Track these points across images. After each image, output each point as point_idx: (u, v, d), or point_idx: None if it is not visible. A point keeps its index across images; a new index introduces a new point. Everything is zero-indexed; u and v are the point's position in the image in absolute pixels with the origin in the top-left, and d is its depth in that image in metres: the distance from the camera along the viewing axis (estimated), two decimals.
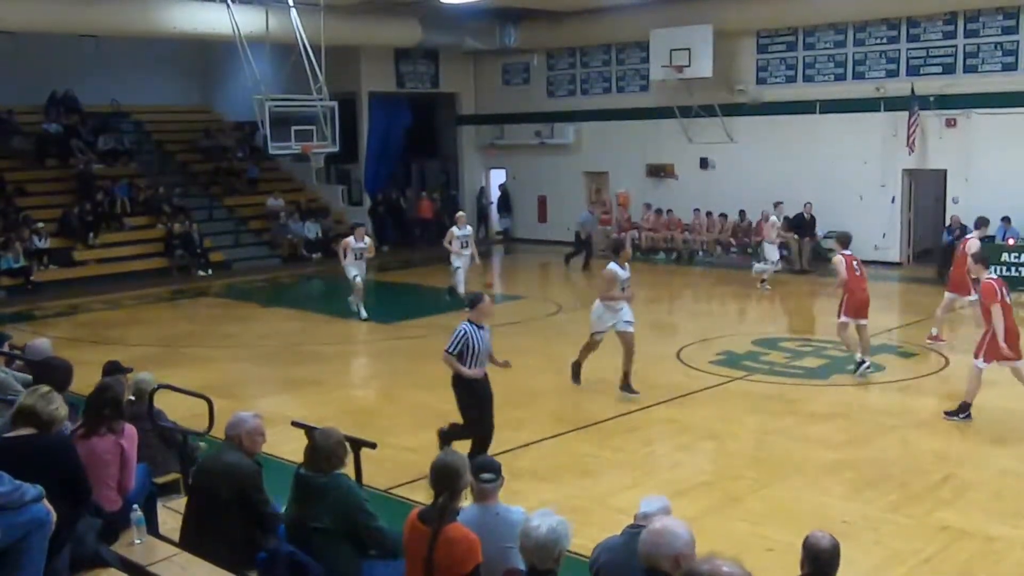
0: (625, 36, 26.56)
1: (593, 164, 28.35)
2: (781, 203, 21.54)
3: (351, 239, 18.03)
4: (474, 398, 9.18)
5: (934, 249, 22.55)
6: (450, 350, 9.09)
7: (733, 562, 3.66)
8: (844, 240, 13.21)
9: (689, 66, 24.14)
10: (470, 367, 9.09)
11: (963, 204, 21.67)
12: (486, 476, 5.49)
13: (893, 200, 22.94)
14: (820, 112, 23.65)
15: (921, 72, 22.34)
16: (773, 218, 20.86)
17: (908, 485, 8.92)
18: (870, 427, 10.81)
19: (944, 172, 22.32)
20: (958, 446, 10.17)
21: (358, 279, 17.84)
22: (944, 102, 21.83)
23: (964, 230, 21.16)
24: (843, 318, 12.99)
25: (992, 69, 21.38)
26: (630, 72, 27.46)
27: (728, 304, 20.56)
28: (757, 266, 21.28)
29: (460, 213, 20.42)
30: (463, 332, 9.10)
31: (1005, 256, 20.27)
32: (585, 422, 11.14)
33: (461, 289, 18.76)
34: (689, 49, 24.10)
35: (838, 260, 12.95)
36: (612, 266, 12.11)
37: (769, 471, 9.43)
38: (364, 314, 17.90)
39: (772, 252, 20.91)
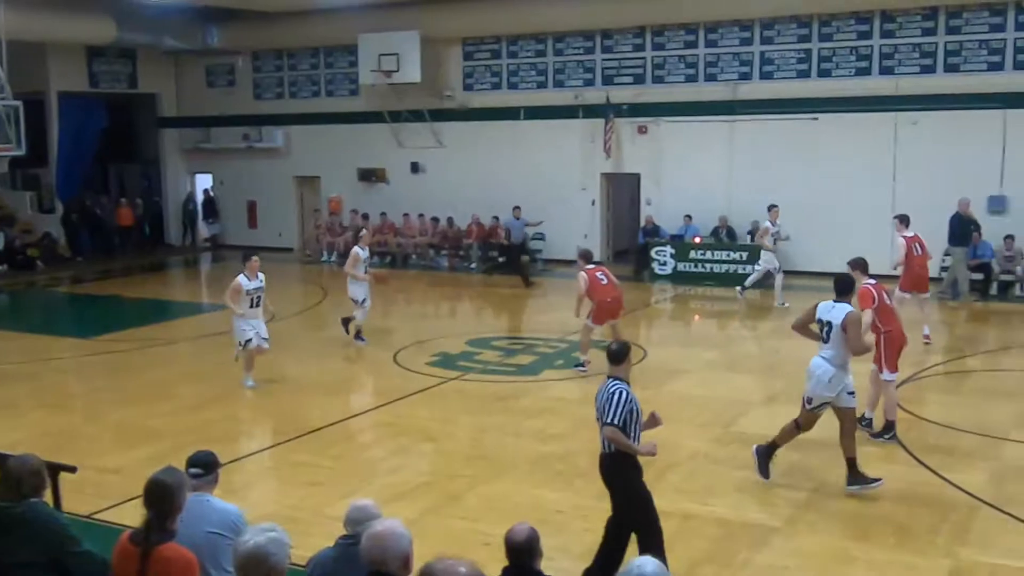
0: (333, 39, 26.41)
1: (304, 168, 27.97)
2: (776, 207, 18.87)
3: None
4: (643, 490, 6.97)
5: (630, 248, 24.00)
6: (614, 421, 6.70)
7: (465, 561, 3.72)
8: (863, 266, 10.62)
9: (398, 71, 24.39)
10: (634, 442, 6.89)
11: (655, 206, 23.32)
12: (193, 471, 5.35)
13: (593, 203, 24.21)
14: (524, 118, 24.59)
15: (615, 82, 23.74)
16: (767, 224, 18.73)
17: None
18: (579, 420, 11.32)
19: (638, 176, 23.85)
20: (656, 433, 10.85)
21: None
22: (636, 110, 23.33)
23: (658, 230, 22.75)
24: (886, 374, 10.41)
25: (677, 80, 23.09)
26: (339, 76, 27.34)
27: (442, 306, 20.91)
28: (747, 278, 19.22)
29: (364, 231, 16.49)
30: (625, 395, 6.79)
31: (692, 253, 21.99)
32: (302, 431, 10.97)
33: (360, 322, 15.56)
34: (398, 54, 24.34)
35: (865, 292, 10.18)
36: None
37: (485, 468, 9.68)
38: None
39: (770, 260, 18.75)
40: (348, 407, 11.71)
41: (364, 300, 15.17)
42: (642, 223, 23.43)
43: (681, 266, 22.01)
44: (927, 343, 14.62)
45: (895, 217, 15.38)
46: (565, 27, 23.96)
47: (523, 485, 9.20)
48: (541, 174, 24.29)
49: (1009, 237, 19.38)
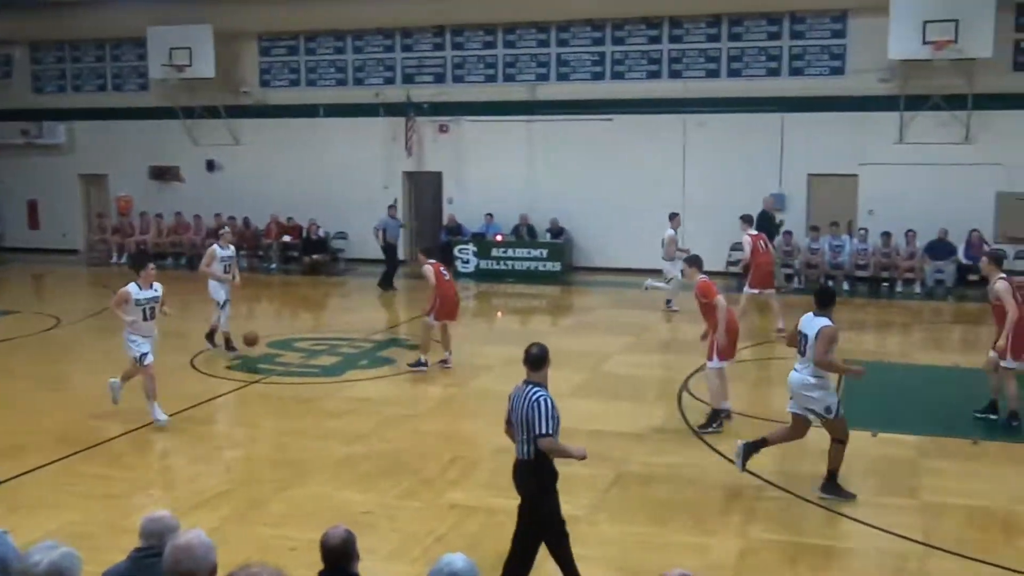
0: (120, 31, 25.31)
1: (90, 166, 26.64)
2: (677, 214, 18.62)
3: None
4: (556, 496, 6.70)
5: (433, 248, 24.05)
6: (548, 432, 6.39)
7: (270, 568, 3.65)
8: (699, 263, 11.21)
9: (191, 66, 23.63)
10: None
11: (457, 204, 23.50)
12: None
13: (396, 201, 24.14)
14: (324, 116, 24.27)
15: (416, 80, 23.78)
16: (670, 232, 18.01)
17: (420, 471, 9.46)
18: (383, 419, 11.31)
19: (440, 174, 23.97)
20: (461, 430, 10.99)
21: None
22: (437, 109, 23.44)
23: (460, 228, 22.94)
24: (713, 359, 10.88)
25: (477, 80, 23.37)
26: (127, 69, 26.20)
27: (239, 308, 20.32)
28: (649, 282, 18.16)
29: (225, 229, 16.04)
30: (550, 402, 6.46)
31: (494, 251, 22.31)
32: (94, 441, 10.43)
33: (225, 328, 14.73)
34: (190, 48, 23.59)
35: (707, 284, 10.85)
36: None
37: (290, 472, 9.50)
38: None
39: (670, 269, 17.66)
40: (143, 415, 11.21)
41: (225, 303, 14.53)
42: (444, 221, 23.58)
43: (483, 264, 22.29)
44: (781, 335, 15.42)
45: (740, 218, 16.58)
46: (364, 24, 23.82)
47: (328, 488, 9.09)
48: (343, 172, 24.06)
49: (788, 232, 20.64)
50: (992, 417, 10.88)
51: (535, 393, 6.48)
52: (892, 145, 20.49)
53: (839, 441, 8.66)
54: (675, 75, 22.04)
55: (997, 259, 10.95)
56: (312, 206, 23.72)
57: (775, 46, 21.38)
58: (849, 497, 8.58)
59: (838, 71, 20.99)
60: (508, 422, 6.76)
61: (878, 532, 7.93)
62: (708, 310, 10.74)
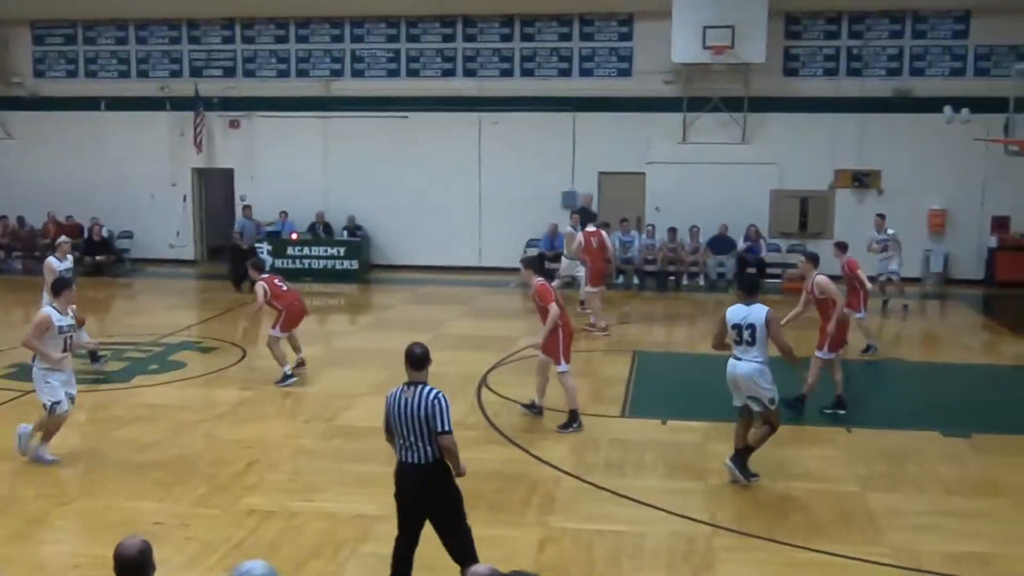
0: None
1: None
2: (576, 213, 18.27)
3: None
4: (458, 490, 6.58)
5: (226, 246, 23.41)
6: (450, 429, 6.34)
7: None
8: (536, 264, 11.38)
9: None
10: None
11: (250, 201, 22.89)
12: None
13: (185, 199, 23.35)
14: (106, 109, 23.17)
15: (204, 74, 23.03)
16: (569, 229, 17.75)
17: (215, 477, 9.18)
18: (175, 425, 10.91)
19: (232, 171, 23.31)
20: (258, 434, 10.72)
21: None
22: (227, 104, 22.79)
23: (258, 229, 22.36)
24: (563, 365, 10.85)
25: (268, 75, 22.87)
26: None
27: (17, 313, 19.15)
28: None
29: (63, 239, 14.38)
30: (447, 400, 6.41)
31: (290, 250, 21.90)
32: None
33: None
34: None
35: (546, 289, 10.70)
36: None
37: (75, 484, 9.04)
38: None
39: (571, 268, 17.65)
40: None
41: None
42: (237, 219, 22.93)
43: (279, 262, 21.77)
44: (591, 330, 15.84)
45: (572, 214, 17.41)
46: (148, 14, 22.91)
47: (117, 498, 8.69)
48: (127, 169, 23.06)
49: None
50: (840, 412, 11.22)
51: (431, 391, 6.40)
52: (676, 145, 21.45)
53: (771, 426, 9.00)
54: (470, 74, 22.28)
55: (814, 259, 11.55)
56: (94, 204, 22.60)
57: (566, 47, 21.95)
58: (750, 479, 8.93)
59: (625, 73, 21.78)
60: (387, 429, 6.59)
61: (668, 515, 8.29)
62: (543, 312, 10.77)
